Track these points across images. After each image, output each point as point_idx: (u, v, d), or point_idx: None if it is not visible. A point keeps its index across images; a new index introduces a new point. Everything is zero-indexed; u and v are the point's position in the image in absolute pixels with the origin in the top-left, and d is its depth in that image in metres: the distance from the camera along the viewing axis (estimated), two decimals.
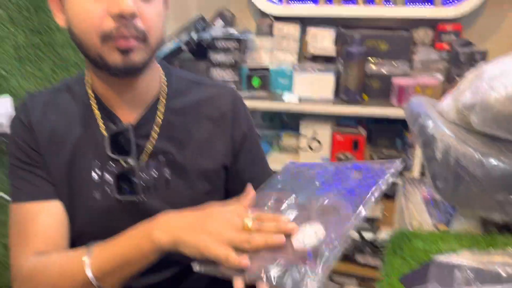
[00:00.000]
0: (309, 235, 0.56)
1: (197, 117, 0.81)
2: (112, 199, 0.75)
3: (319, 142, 1.80)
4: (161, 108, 0.79)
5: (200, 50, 1.86)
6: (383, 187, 0.60)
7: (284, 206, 0.64)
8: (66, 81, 0.83)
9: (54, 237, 0.74)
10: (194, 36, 1.81)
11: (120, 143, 0.75)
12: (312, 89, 1.74)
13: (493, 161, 0.67)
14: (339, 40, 1.76)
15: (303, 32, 1.86)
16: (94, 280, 0.64)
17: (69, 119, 0.77)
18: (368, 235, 1.79)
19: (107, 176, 0.76)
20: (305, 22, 1.86)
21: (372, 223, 1.80)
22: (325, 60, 1.80)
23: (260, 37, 1.86)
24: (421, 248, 0.71)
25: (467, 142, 0.70)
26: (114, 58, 0.66)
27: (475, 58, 1.58)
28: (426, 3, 1.73)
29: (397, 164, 0.65)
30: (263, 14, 1.87)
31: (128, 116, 0.77)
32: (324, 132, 1.79)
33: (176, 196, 0.78)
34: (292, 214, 0.61)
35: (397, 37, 1.70)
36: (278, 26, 1.84)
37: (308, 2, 1.82)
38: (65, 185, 0.76)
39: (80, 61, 1.63)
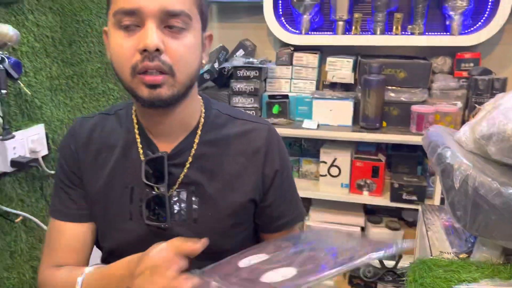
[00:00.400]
0: (278, 274, 0.58)
1: (230, 150, 0.83)
2: (141, 223, 0.79)
3: (338, 168, 1.81)
4: (197, 139, 0.82)
5: (222, 78, 1.92)
6: (365, 262, 0.60)
7: (278, 252, 0.66)
8: (115, 107, 0.89)
9: (74, 254, 0.82)
10: (216, 65, 1.88)
11: (155, 170, 0.79)
12: (331, 116, 1.77)
13: (511, 191, 0.68)
14: (358, 68, 1.79)
15: (322, 61, 1.91)
16: None
17: (112, 142, 0.83)
18: (389, 263, 1.76)
19: (139, 201, 0.80)
20: (324, 51, 1.91)
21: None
22: (344, 87, 1.84)
23: (280, 66, 1.92)
24: (441, 277, 0.71)
25: (485, 172, 0.71)
26: (142, 91, 0.70)
27: (494, 86, 1.59)
28: (444, 32, 1.76)
29: (391, 249, 0.61)
30: (283, 44, 1.93)
31: (166, 145, 0.81)
32: (344, 159, 1.80)
33: (202, 227, 0.80)
34: (278, 260, 0.63)
35: (415, 65, 1.72)
36: (297, 55, 1.89)
37: (327, 32, 1.87)
38: (101, 204, 0.81)
39: (107, 90, 1.71)
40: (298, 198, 0.92)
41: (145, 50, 0.67)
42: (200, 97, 0.86)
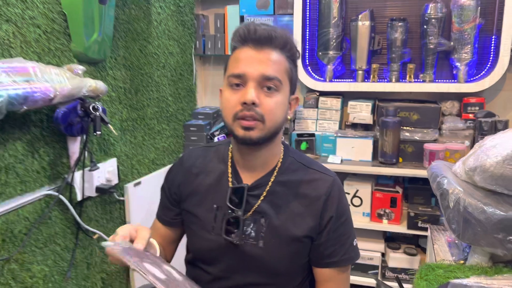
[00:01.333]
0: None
1: (297, 193, 0.99)
2: (220, 237, 0.99)
3: (360, 199, 2.04)
4: (272, 178, 1.00)
5: None
6: None
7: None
8: (217, 143, 1.13)
9: (160, 247, 1.02)
10: None
11: (237, 197, 0.99)
12: (353, 152, 2.01)
13: (492, 209, 0.91)
14: (376, 111, 2.05)
15: (344, 104, 2.18)
16: None
17: (210, 169, 1.06)
18: (407, 286, 1.95)
19: (221, 219, 1.00)
20: (345, 96, 2.19)
21: (411, 274, 1.97)
22: (364, 127, 2.09)
23: (307, 109, 2.19)
24: (442, 275, 0.93)
25: (473, 195, 0.94)
26: (238, 132, 0.92)
27: (497, 127, 1.82)
28: (452, 80, 2.02)
29: None
30: (310, 90, 2.22)
31: (248, 178, 1.01)
32: (365, 190, 2.03)
33: (265, 250, 0.97)
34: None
35: (427, 109, 1.97)
36: (322, 99, 2.17)
37: (348, 79, 2.15)
38: (194, 216, 1.05)
39: (161, 129, 2.01)
40: (351, 244, 1.02)
41: (244, 103, 0.90)
42: (282, 145, 1.04)
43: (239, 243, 0.98)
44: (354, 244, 1.02)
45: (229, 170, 1.03)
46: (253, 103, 0.89)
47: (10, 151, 1.18)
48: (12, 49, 1.17)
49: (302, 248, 0.99)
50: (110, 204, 1.64)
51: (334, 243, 0.99)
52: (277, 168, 1.02)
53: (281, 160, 1.03)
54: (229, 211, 0.99)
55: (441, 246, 1.12)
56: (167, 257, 1.13)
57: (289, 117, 1.01)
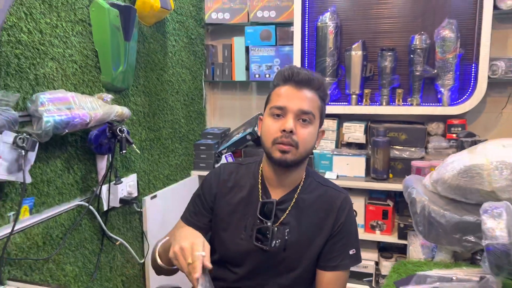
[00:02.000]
0: None
1: (316, 207, 1.19)
2: (250, 243, 1.17)
3: (355, 211, 2.22)
4: (296, 195, 1.19)
5: (259, 139, 2.42)
6: None
7: None
8: (247, 160, 1.30)
9: None
10: (255, 129, 2.39)
11: (266, 209, 1.17)
12: (347, 169, 2.22)
13: (450, 214, 1.11)
14: (368, 132, 2.26)
15: (340, 125, 2.39)
16: (160, 260, 1.11)
17: (242, 183, 1.23)
18: None
19: (251, 228, 1.18)
20: (341, 118, 2.40)
21: None
22: (357, 146, 2.30)
23: None
24: (411, 269, 1.13)
25: (436, 203, 1.15)
26: (276, 154, 1.11)
27: None
28: (437, 103, 2.23)
29: None
30: None
31: (277, 194, 1.19)
32: (359, 204, 2.22)
33: (289, 253, 1.17)
34: None
35: (414, 130, 2.18)
36: None
37: (343, 103, 2.37)
38: (225, 224, 1.21)
39: (175, 148, 2.23)
40: (349, 254, 1.18)
41: (284, 130, 1.09)
42: (305, 168, 1.23)
43: (268, 248, 1.15)
44: (351, 253, 1.19)
45: (260, 186, 1.21)
46: (291, 131, 1.08)
47: (52, 167, 1.41)
48: (55, 82, 1.40)
49: (318, 254, 1.18)
50: (130, 214, 1.85)
51: (335, 250, 1.18)
52: (300, 186, 1.21)
53: (303, 180, 1.22)
54: (258, 221, 1.17)
55: (415, 248, 1.32)
56: None
57: (316, 146, 1.19)
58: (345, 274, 1.21)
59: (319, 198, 1.20)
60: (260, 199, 1.19)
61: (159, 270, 1.17)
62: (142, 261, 1.93)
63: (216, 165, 2.39)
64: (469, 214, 1.07)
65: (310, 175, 1.25)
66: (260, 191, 1.21)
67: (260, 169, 1.24)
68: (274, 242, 1.16)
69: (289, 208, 1.19)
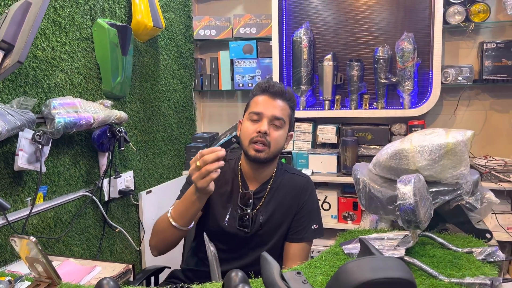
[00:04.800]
0: None
1: (285, 191, 1.42)
2: (233, 227, 1.39)
3: (329, 204, 2.49)
4: (269, 185, 1.42)
5: None
6: None
7: None
8: (227, 157, 1.44)
9: None
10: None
11: (245, 199, 1.40)
12: (322, 166, 2.49)
13: (386, 190, 1.37)
14: (339, 133, 2.54)
15: (315, 128, 2.67)
16: (172, 220, 1.27)
17: (226, 177, 1.43)
18: None
19: (234, 214, 1.40)
20: (316, 121, 2.68)
21: None
22: (330, 146, 2.58)
23: None
24: (356, 235, 1.38)
25: (375, 181, 1.41)
26: (251, 152, 1.33)
27: None
28: (399, 107, 2.52)
29: None
30: None
31: (253, 185, 1.42)
32: (333, 197, 2.49)
33: (266, 234, 1.39)
34: None
35: (379, 130, 2.46)
36: (297, 124, 2.66)
37: (318, 108, 2.65)
38: (212, 208, 1.41)
39: (167, 150, 2.50)
40: (311, 228, 1.42)
41: (259, 132, 1.32)
42: (277, 162, 1.45)
43: (246, 231, 1.38)
44: (313, 228, 1.43)
45: (240, 180, 1.44)
46: (265, 133, 1.33)
47: (61, 161, 1.67)
48: (64, 90, 1.68)
49: (287, 230, 1.42)
50: (127, 206, 2.11)
51: (299, 224, 1.41)
52: (272, 177, 1.45)
53: (275, 171, 1.46)
54: (239, 209, 1.39)
55: (366, 222, 1.58)
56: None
57: (285, 146, 1.45)
58: (308, 246, 1.45)
59: (287, 184, 1.45)
60: (240, 191, 1.42)
61: (161, 244, 1.35)
62: (139, 248, 2.18)
63: None
64: None
65: (280, 167, 1.49)
66: (240, 184, 1.44)
67: (239, 165, 1.47)
68: (252, 225, 1.39)
69: (264, 197, 1.42)
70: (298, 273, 1.05)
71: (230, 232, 1.40)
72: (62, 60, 1.66)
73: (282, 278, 0.94)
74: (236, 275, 0.95)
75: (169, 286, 0.99)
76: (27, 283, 1.04)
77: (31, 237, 0.98)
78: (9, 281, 1.02)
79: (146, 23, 2.08)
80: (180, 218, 1.27)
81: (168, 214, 1.29)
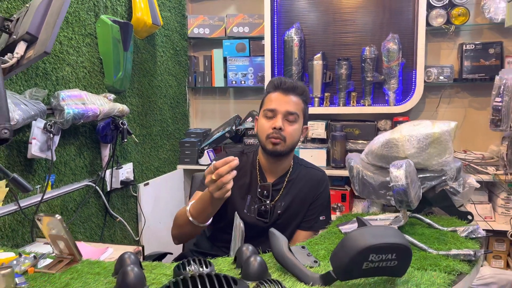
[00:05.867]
0: None
1: (302, 184, 1.49)
2: (252, 217, 1.45)
3: None
4: (287, 178, 1.49)
5: (237, 136, 2.79)
6: None
7: None
8: (245, 150, 1.56)
9: None
10: (234, 128, 2.76)
11: (264, 191, 1.46)
12: (312, 159, 2.59)
13: (377, 176, 1.49)
14: (328, 128, 2.66)
15: None
16: (191, 217, 1.30)
17: (245, 169, 1.49)
18: None
19: (253, 205, 1.46)
20: None
21: None
22: (320, 141, 2.70)
23: None
24: (351, 218, 1.50)
25: (368, 169, 1.53)
26: (269, 146, 1.40)
27: None
28: (385, 104, 2.65)
29: None
30: None
31: (271, 178, 1.49)
32: None
33: (283, 224, 1.45)
34: None
35: (366, 126, 2.59)
36: None
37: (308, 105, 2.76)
38: (232, 199, 1.40)
39: (163, 144, 2.57)
40: (319, 219, 1.49)
41: (274, 128, 1.38)
42: (293, 156, 1.52)
43: (267, 222, 1.44)
44: (321, 219, 1.51)
45: (258, 172, 1.51)
46: (280, 128, 1.39)
47: (67, 152, 1.73)
48: (70, 83, 1.74)
49: (301, 219, 1.50)
50: (127, 198, 2.18)
51: (311, 214, 1.50)
52: (290, 170, 1.52)
53: (292, 165, 1.53)
54: (258, 200, 1.46)
55: (358, 209, 1.70)
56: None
57: (301, 140, 1.51)
58: (314, 235, 1.54)
59: (304, 178, 1.52)
60: (259, 183, 1.49)
61: (182, 236, 1.41)
62: (138, 238, 2.24)
63: (200, 160, 2.74)
64: None
65: (296, 161, 1.56)
66: (258, 176, 1.50)
67: (257, 159, 1.53)
68: (271, 215, 1.45)
69: (282, 189, 1.49)
70: (303, 247, 1.16)
71: (249, 222, 1.44)
72: (69, 54, 1.73)
73: (289, 251, 1.05)
74: (247, 248, 1.06)
75: (185, 259, 1.08)
76: (49, 260, 1.11)
77: (57, 215, 1.05)
78: (34, 257, 1.09)
79: (146, 20, 2.15)
80: (198, 216, 1.31)
81: (188, 209, 1.32)
